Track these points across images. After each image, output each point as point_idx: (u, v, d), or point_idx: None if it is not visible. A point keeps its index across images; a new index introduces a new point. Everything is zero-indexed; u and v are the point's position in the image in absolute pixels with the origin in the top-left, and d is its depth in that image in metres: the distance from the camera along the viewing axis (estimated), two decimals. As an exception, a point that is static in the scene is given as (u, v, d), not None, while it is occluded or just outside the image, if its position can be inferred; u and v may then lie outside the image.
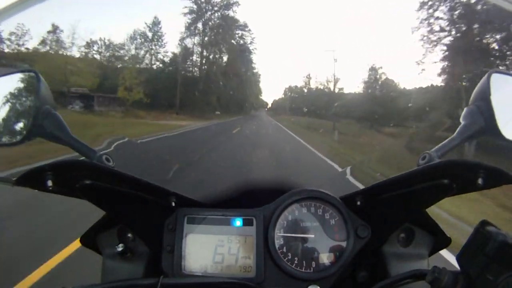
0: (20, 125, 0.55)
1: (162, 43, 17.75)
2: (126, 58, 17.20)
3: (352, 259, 0.58)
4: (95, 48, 16.15)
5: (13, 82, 0.58)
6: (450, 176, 0.47)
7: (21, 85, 0.57)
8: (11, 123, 0.57)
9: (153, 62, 17.78)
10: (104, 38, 16.28)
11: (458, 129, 0.54)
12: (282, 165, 5.81)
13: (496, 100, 0.52)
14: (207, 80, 17.77)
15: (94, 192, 0.51)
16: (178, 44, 18.19)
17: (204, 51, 18.55)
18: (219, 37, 18.42)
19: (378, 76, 15.63)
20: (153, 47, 17.49)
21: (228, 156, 6.51)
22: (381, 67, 15.61)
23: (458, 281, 0.40)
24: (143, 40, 17.22)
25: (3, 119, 0.57)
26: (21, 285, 1.89)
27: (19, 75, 0.58)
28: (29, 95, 0.56)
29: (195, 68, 18.61)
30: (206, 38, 18.52)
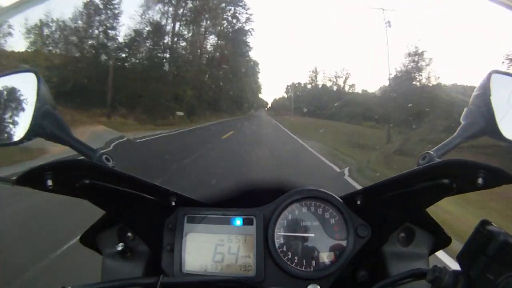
0: (20, 125, 0.55)
1: (116, 13, 11.83)
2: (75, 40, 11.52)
3: (352, 259, 0.58)
4: (47, 31, 11.01)
5: (13, 82, 0.58)
6: (450, 176, 0.47)
7: (21, 85, 0.57)
8: (11, 123, 0.57)
9: (101, 42, 12.01)
10: (57, 19, 11.08)
11: (458, 129, 0.54)
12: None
13: (496, 100, 0.52)
14: (182, 68, 12.28)
15: (94, 192, 0.51)
16: (140, 18, 12.24)
17: (177, 26, 12.52)
18: (200, 9, 12.75)
19: (422, 64, 11.02)
20: (104, 20, 11.72)
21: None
22: (426, 51, 11.03)
23: (458, 281, 0.40)
24: (92, 11, 11.65)
25: (3, 119, 0.57)
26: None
27: (19, 75, 0.58)
28: (29, 95, 0.56)
29: (164, 51, 12.55)
30: (181, 10, 12.71)
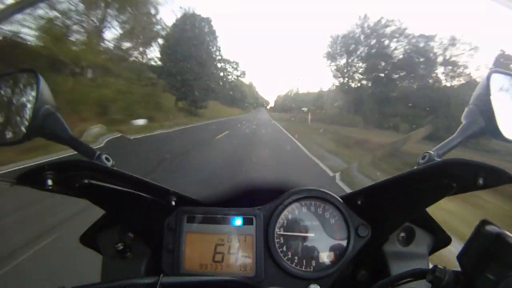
0: (20, 125, 0.55)
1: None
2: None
3: (352, 258, 0.58)
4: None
5: (13, 82, 0.58)
6: (450, 176, 0.47)
7: (21, 85, 0.57)
8: (11, 122, 0.56)
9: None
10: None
11: (459, 129, 0.54)
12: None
13: (496, 100, 0.52)
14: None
15: (93, 192, 0.51)
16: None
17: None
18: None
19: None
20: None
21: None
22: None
23: (458, 281, 0.40)
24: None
25: (3, 119, 0.57)
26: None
27: (19, 75, 0.58)
28: (29, 95, 0.56)
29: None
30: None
